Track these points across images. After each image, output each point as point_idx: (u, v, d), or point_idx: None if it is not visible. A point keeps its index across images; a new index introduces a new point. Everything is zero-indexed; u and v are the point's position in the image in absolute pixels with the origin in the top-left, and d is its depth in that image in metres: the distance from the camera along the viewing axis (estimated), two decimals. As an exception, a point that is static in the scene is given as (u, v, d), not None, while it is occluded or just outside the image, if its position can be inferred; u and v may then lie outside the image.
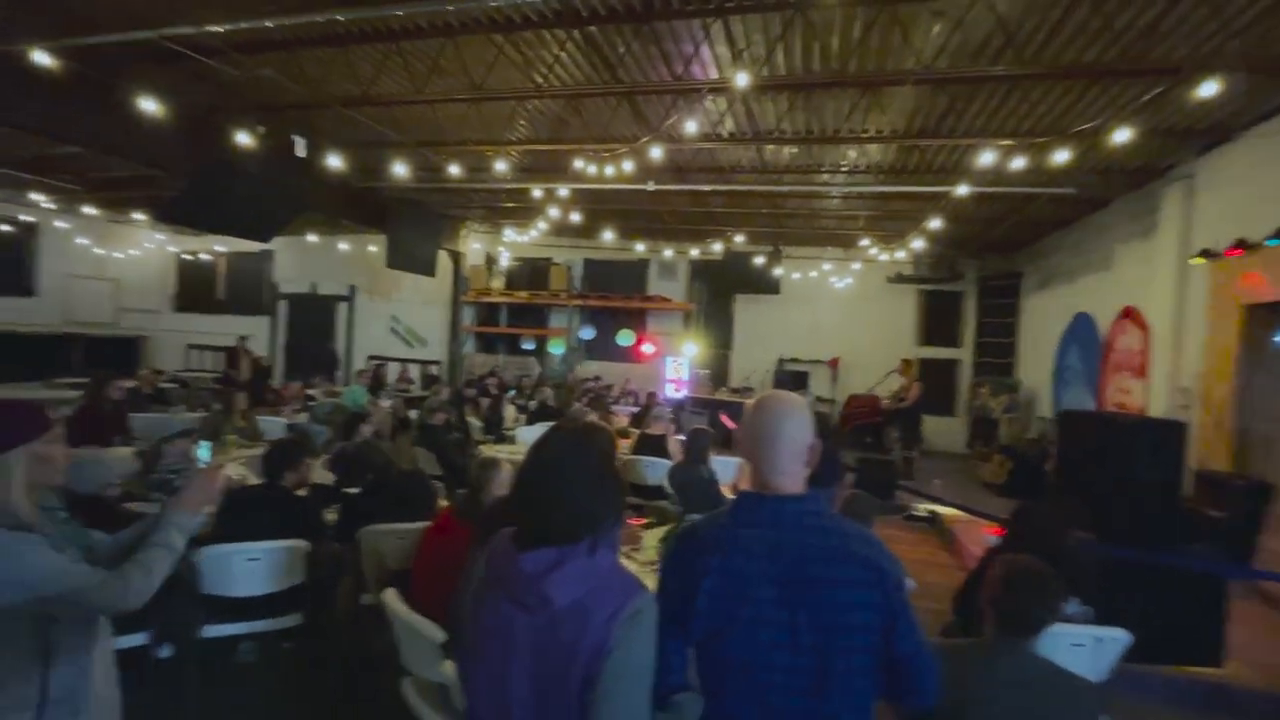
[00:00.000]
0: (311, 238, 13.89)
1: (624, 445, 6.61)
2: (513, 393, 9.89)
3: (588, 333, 13.44)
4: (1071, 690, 1.62)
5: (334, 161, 6.93)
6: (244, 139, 6.33)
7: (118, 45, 5.39)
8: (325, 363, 13.68)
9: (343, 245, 13.83)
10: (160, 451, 4.04)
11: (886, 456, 8.49)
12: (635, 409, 9.28)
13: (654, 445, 5.73)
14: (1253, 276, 5.67)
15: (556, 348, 13.65)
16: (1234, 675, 3.60)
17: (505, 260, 13.94)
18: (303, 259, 14.70)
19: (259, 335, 14.79)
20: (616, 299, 13.23)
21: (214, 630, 3.06)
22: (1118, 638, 2.51)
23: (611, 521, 1.23)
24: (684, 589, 1.22)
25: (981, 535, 5.79)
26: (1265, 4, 4.05)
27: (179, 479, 3.89)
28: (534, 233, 11.20)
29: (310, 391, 9.80)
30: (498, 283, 13.71)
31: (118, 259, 14.78)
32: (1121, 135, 4.94)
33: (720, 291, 13.19)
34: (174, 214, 8.74)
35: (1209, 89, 4.08)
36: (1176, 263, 6.68)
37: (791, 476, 1.27)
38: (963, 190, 6.79)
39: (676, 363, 12.58)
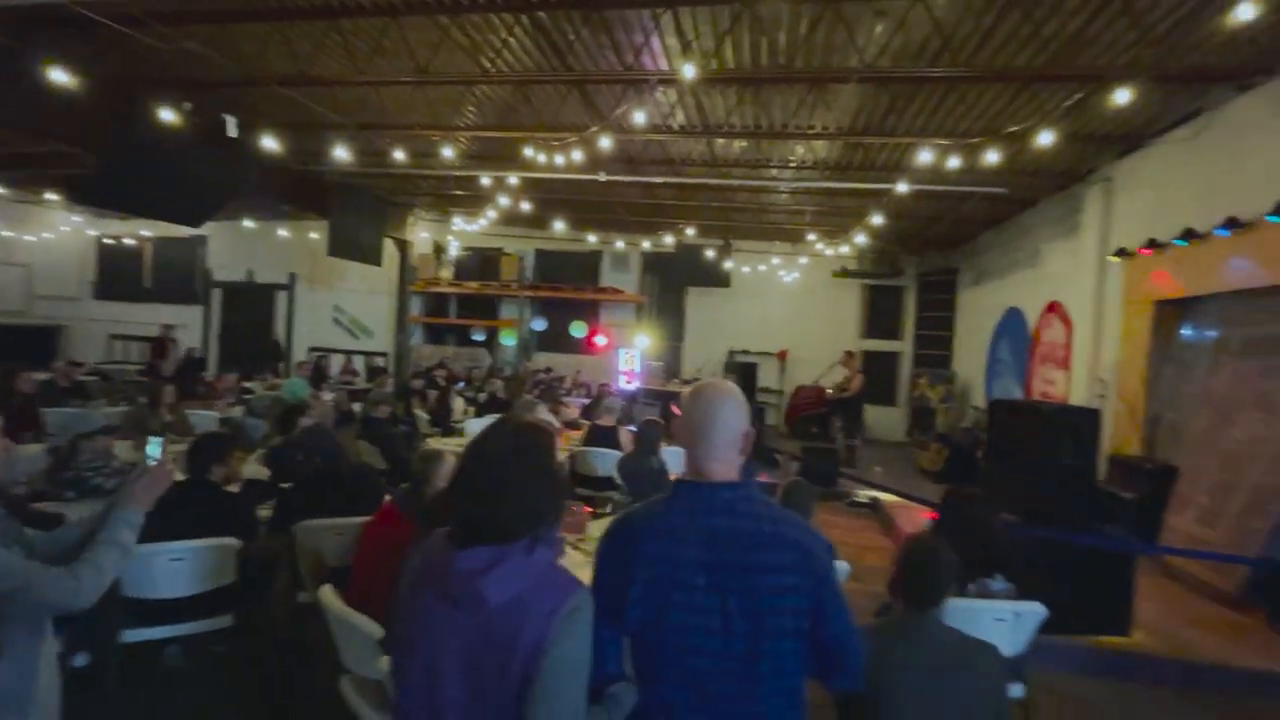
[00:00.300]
0: (248, 223, 13.23)
1: (575, 437, 6.60)
2: (462, 385, 9.70)
3: (539, 324, 13.31)
4: (978, 653, 1.74)
5: (270, 143, 6.60)
6: (168, 116, 5.95)
7: (25, 9, 4.97)
8: (270, 354, 13.06)
9: (282, 232, 13.23)
10: (76, 448, 3.78)
11: (830, 445, 8.73)
12: (587, 400, 9.25)
13: (604, 436, 5.73)
14: (1162, 274, 6.07)
15: (508, 339, 13.46)
16: (1140, 644, 3.88)
17: (454, 249, 13.64)
18: (238, 245, 13.99)
19: (191, 325, 14.03)
20: (568, 290, 13.14)
21: (136, 635, 2.90)
22: (1035, 611, 2.65)
23: (551, 520, 1.22)
24: (618, 578, 1.22)
25: (918, 520, 6.03)
26: (1178, 16, 4.32)
27: (97, 477, 3.66)
28: (483, 221, 10.99)
29: (247, 384, 9.37)
30: (446, 272, 13.41)
31: (29, 242, 13.74)
32: (1046, 138, 5.20)
33: (672, 284, 13.29)
34: (91, 195, 8.16)
35: (1123, 96, 4.33)
36: (1096, 261, 7.10)
37: (726, 464, 1.28)
38: (903, 188, 7.01)
39: (629, 354, 12.60)
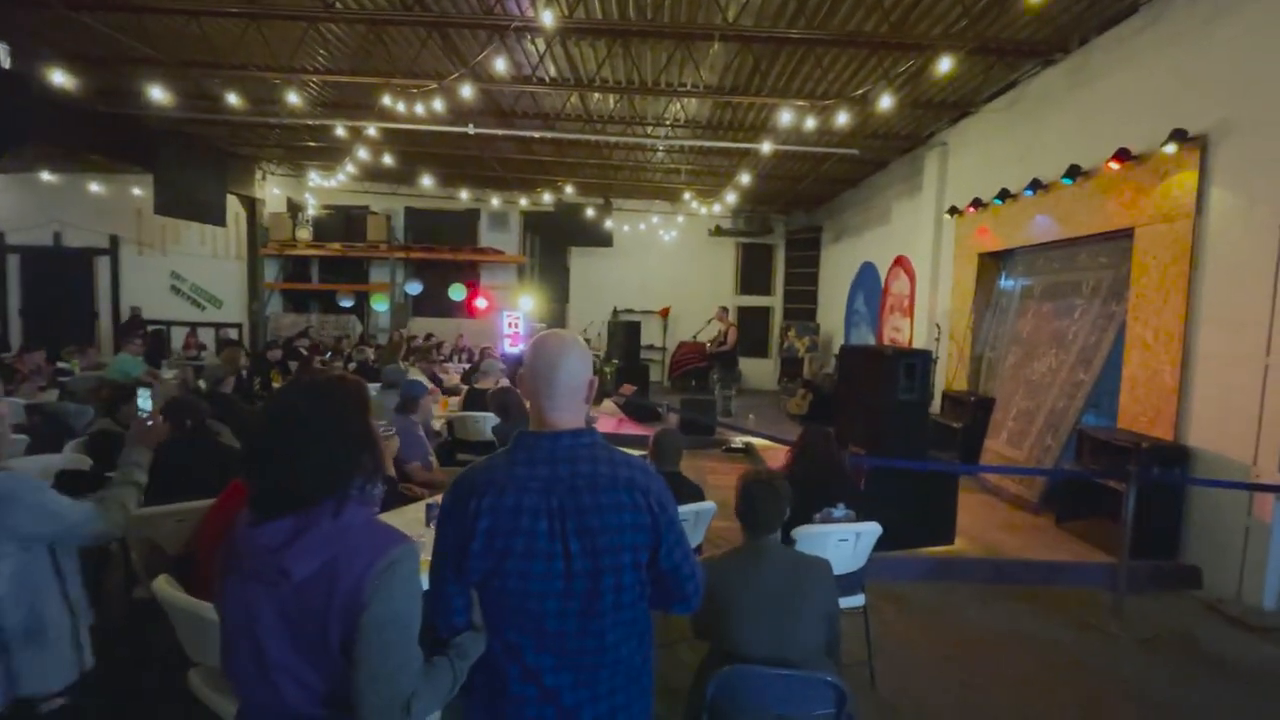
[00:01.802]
0: (47, 176, 11.25)
1: (453, 403, 6.41)
2: (329, 354, 9.02)
3: (414, 287, 12.59)
4: (811, 569, 1.95)
5: (61, 79, 5.58)
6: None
7: None
8: (132, 326, 11.18)
9: (95, 186, 11.38)
10: None
11: (709, 397, 9.14)
12: (468, 365, 8.99)
13: (483, 400, 5.58)
14: (984, 230, 6.84)
15: (380, 304, 12.65)
16: (961, 550, 4.50)
17: (312, 208, 12.46)
18: (38, 202, 11.86)
19: (-18, 297, 11.85)
20: (445, 251, 12.52)
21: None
22: (873, 530, 2.98)
23: (360, 480, 1.16)
24: (460, 533, 1.21)
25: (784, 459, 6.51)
26: (994, -6, 4.75)
27: None
28: (341, 177, 10.09)
29: (62, 365, 8.12)
30: (305, 233, 12.25)
31: None
32: (886, 101, 5.59)
33: (554, 244, 13.07)
34: None
35: (945, 65, 4.74)
36: (934, 218, 7.84)
37: (570, 412, 1.30)
38: (767, 148, 7.28)
39: (513, 317, 12.29)
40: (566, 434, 1.27)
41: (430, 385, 6.87)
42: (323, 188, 12.02)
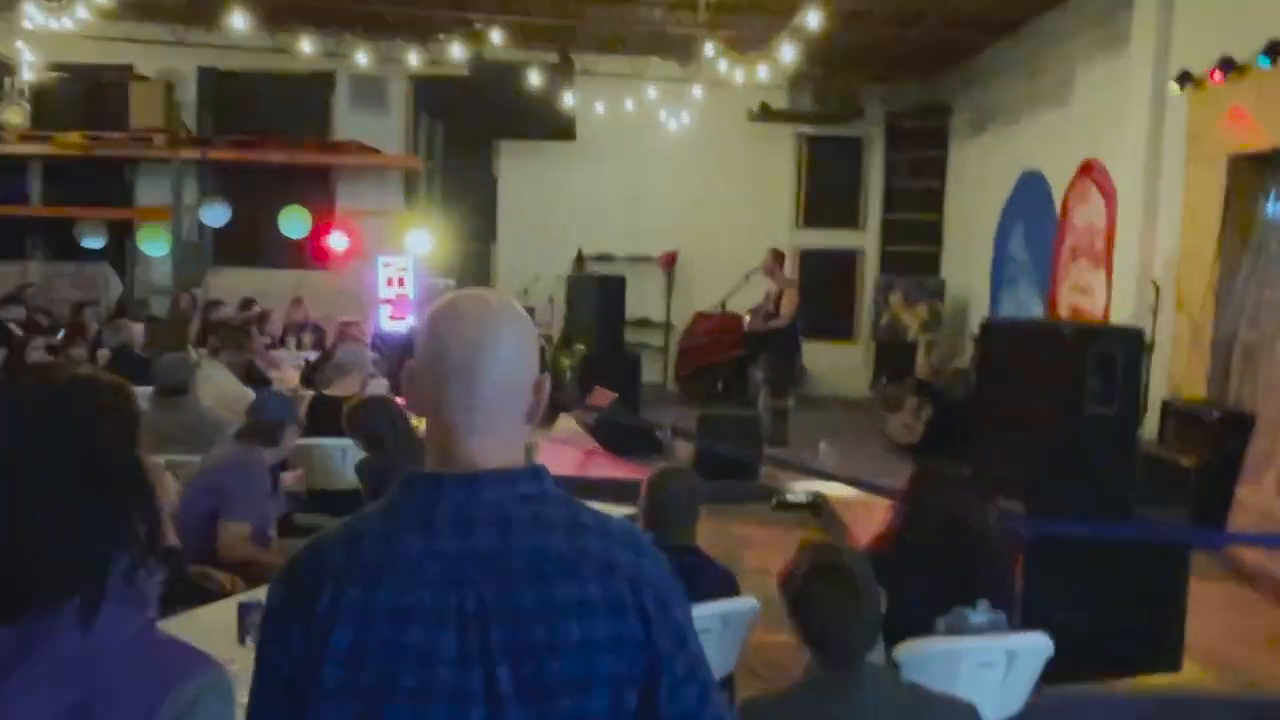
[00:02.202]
0: None
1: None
2: (61, 334, 9.06)
3: (218, 214, 12.57)
4: (940, 715, 1.98)
5: None
6: None
7: None
8: None
9: None
10: None
11: (748, 411, 9.18)
12: (314, 354, 9.02)
13: (339, 416, 5.58)
14: (1238, 113, 6.86)
15: (155, 245, 12.63)
16: (1192, 681, 4.55)
17: (29, 69, 12.38)
18: None
19: None
20: (271, 148, 12.53)
21: None
22: (1038, 648, 3.02)
23: (125, 561, 1.17)
24: (298, 649, 1.20)
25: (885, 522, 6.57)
26: None
27: None
28: (83, 13, 10.02)
29: None
30: (16, 115, 12.27)
31: None
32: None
33: (471, 135, 13.14)
34: None
35: None
36: (1151, 90, 7.89)
37: (498, 438, 1.28)
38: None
39: (395, 265, 12.29)
40: (491, 477, 1.27)
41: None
42: (49, 32, 11.91)
